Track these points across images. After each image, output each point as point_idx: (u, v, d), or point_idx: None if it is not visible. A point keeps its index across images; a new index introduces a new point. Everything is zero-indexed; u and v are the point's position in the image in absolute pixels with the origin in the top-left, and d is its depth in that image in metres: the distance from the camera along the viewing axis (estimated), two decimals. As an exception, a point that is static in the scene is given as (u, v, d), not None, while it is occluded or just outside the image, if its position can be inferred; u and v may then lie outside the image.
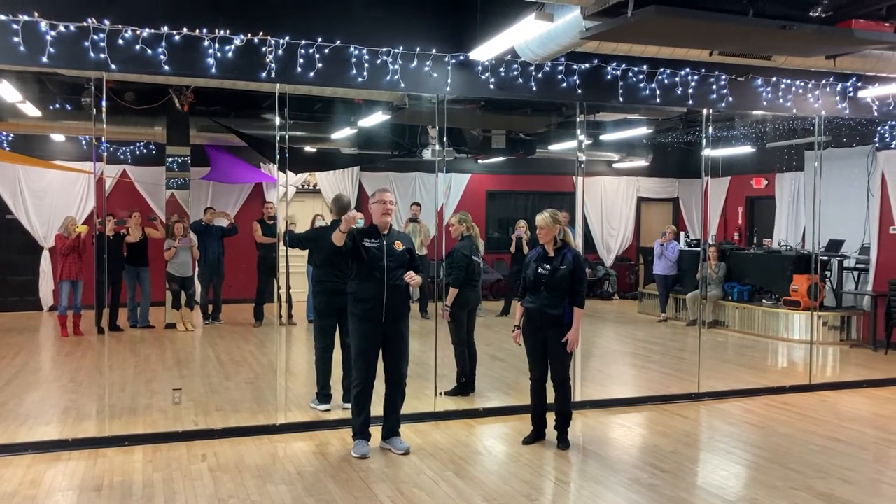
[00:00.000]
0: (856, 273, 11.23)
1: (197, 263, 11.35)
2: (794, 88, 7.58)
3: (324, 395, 6.70)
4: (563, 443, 5.75)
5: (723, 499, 4.76)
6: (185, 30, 5.67)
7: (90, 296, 10.56)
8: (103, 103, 6.17)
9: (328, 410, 6.62)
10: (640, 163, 15.49)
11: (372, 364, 5.55)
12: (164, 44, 5.64)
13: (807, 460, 5.54)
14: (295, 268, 11.91)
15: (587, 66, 6.80)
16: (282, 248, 10.18)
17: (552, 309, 5.58)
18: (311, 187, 14.51)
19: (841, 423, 6.62)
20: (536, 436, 5.90)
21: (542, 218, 5.69)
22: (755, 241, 13.92)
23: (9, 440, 5.74)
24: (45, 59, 5.44)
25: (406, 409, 5.87)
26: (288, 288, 11.32)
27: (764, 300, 11.70)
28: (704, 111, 7.66)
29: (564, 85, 6.80)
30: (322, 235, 6.88)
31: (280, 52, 5.94)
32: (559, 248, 5.69)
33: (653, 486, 4.97)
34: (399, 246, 5.59)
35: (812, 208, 8.39)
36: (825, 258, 10.93)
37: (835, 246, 10.99)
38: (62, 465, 5.34)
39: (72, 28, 5.44)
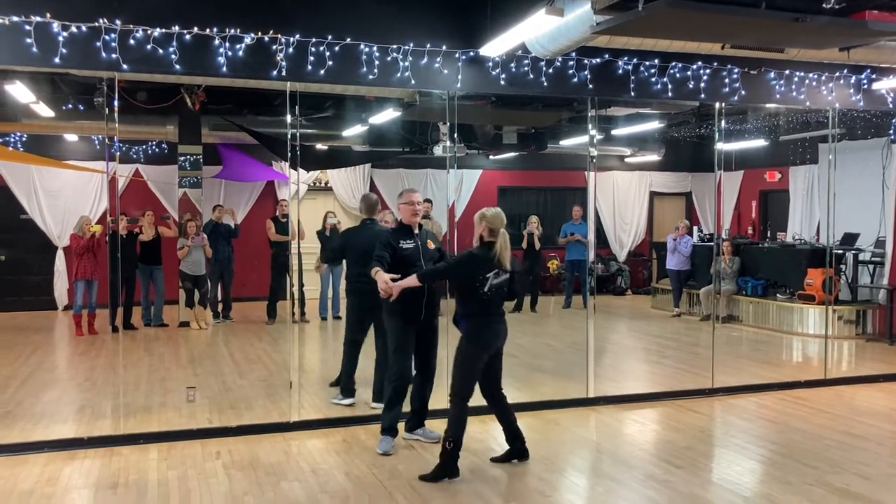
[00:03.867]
0: (871, 266, 11.14)
1: (208, 262, 11.39)
2: (807, 81, 7.51)
3: (349, 390, 6.80)
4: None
5: (737, 494, 4.74)
6: (195, 29, 5.68)
7: (105, 295, 10.61)
8: (115, 103, 6.19)
9: (352, 405, 6.69)
10: (653, 157, 15.43)
11: (409, 359, 5.67)
12: (175, 43, 5.65)
13: (822, 455, 5.50)
14: (308, 265, 11.95)
15: (598, 60, 6.77)
16: (294, 245, 10.21)
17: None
18: (322, 185, 14.53)
19: (856, 417, 6.57)
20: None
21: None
22: (769, 235, 13.83)
23: (25, 438, 5.79)
24: (57, 60, 5.47)
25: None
26: (301, 286, 11.34)
27: (778, 294, 11.62)
28: (717, 105, 7.61)
29: (575, 80, 6.77)
30: (349, 238, 6.90)
31: (290, 50, 5.94)
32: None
33: (667, 483, 4.96)
34: (431, 245, 5.67)
35: (826, 201, 8.32)
36: (840, 252, 10.84)
37: (850, 239, 10.91)
38: (78, 463, 5.38)
39: (83, 29, 5.46)
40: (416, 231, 5.67)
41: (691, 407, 6.91)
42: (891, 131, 10.62)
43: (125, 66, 5.60)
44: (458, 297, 5.12)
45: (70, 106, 10.78)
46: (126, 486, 4.92)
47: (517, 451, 5.35)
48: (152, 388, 7.46)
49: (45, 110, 10.21)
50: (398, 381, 5.63)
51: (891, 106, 7.95)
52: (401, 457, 5.47)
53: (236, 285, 12.04)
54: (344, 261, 7.12)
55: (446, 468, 4.98)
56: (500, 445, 5.82)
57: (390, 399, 5.67)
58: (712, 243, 12.21)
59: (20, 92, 8.81)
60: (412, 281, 5.13)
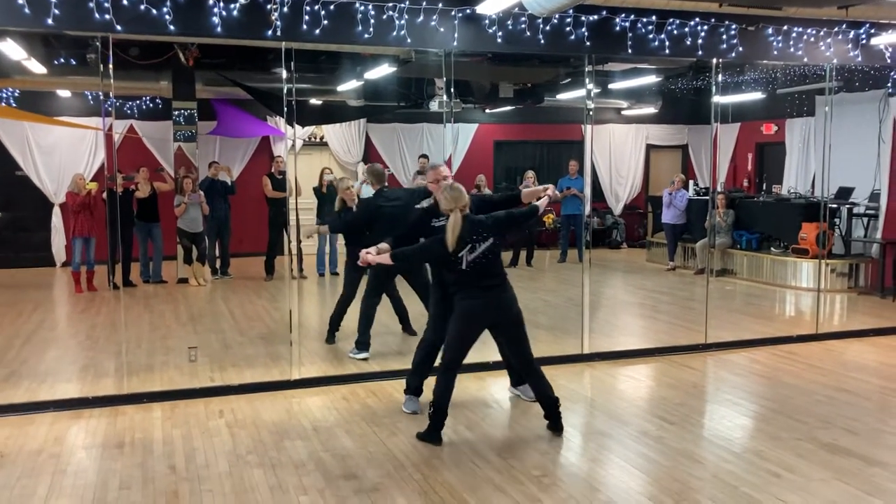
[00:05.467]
0: (865, 220, 11.21)
1: (206, 219, 11.41)
2: (805, 37, 7.45)
3: (364, 344, 7.08)
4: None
5: (728, 450, 4.87)
6: (189, -12, 5.62)
7: (103, 252, 10.65)
8: (110, 60, 6.15)
9: (366, 359, 6.95)
10: (650, 110, 15.36)
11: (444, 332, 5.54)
12: (168, 3, 5.59)
13: (812, 411, 5.64)
14: (305, 221, 11.95)
15: (595, 17, 6.72)
16: (291, 201, 10.20)
17: None
18: (318, 140, 14.47)
19: (846, 372, 6.70)
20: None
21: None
22: (764, 188, 13.86)
23: (31, 398, 5.90)
24: (49, 21, 5.42)
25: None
26: (298, 242, 11.37)
27: (772, 248, 11.72)
28: (714, 60, 7.57)
29: (573, 37, 6.72)
30: (374, 209, 7.00)
31: (285, 9, 5.89)
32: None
33: (660, 439, 5.08)
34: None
35: (822, 155, 8.34)
36: (835, 206, 10.90)
37: (844, 193, 10.95)
38: (84, 422, 5.49)
39: (76, -12, 5.40)
40: None
41: (685, 363, 7.04)
42: (889, 84, 10.58)
43: (119, 28, 5.55)
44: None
45: (62, 61, 10.65)
46: (132, 444, 5.04)
47: (550, 422, 5.21)
48: (154, 347, 7.56)
49: (37, 66, 10.09)
50: (430, 348, 5.61)
51: (889, 61, 7.91)
52: (401, 416, 5.58)
53: (234, 241, 12.09)
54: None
55: (429, 435, 5.00)
56: (496, 402, 5.95)
57: (420, 362, 5.65)
58: (708, 197, 12.25)
59: (11, 49, 8.70)
60: (385, 259, 5.08)
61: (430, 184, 5.63)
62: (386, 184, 7.28)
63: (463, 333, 5.05)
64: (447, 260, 4.94)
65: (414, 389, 5.69)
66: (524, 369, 5.29)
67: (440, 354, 5.31)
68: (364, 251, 5.16)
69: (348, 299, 7.65)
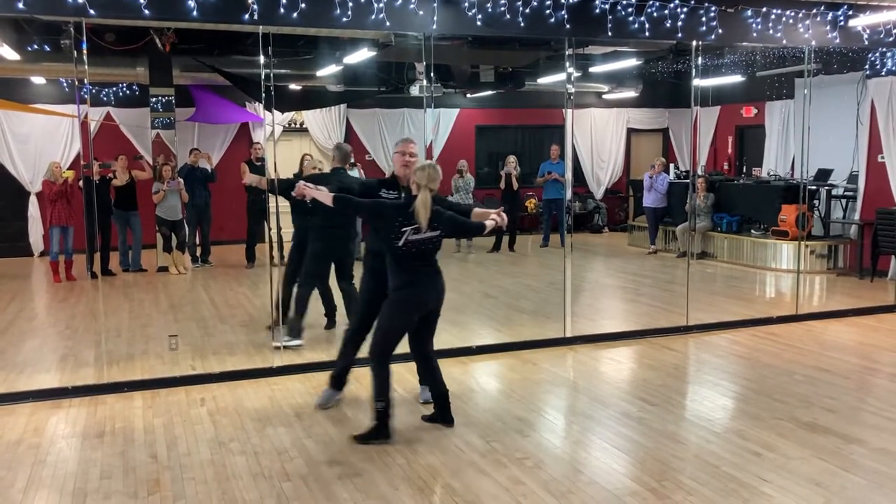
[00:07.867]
0: (844, 201, 11.30)
1: (185, 206, 11.31)
2: (784, 19, 7.46)
3: (297, 330, 6.97)
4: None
5: (710, 431, 4.90)
6: (163, -28, 5.53)
7: (81, 240, 10.52)
8: (84, 46, 6.05)
9: (300, 346, 6.86)
10: (630, 94, 15.36)
11: (358, 316, 5.38)
12: (142, -13, 5.51)
13: (791, 391, 5.69)
14: (284, 208, 11.87)
15: (575, -1, 6.69)
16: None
17: None
18: (298, 126, 14.37)
19: (826, 352, 6.77)
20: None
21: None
22: (745, 170, 13.92)
23: (9, 389, 5.82)
24: (20, 6, 5.32)
25: (398, 349, 5.91)
26: (279, 229, 11.29)
27: (752, 230, 11.80)
28: (694, 43, 7.57)
29: (552, 20, 6.68)
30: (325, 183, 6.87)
31: (262, -8, 5.81)
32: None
33: (642, 420, 5.11)
34: None
35: (801, 137, 8.38)
36: (814, 187, 10.97)
37: (823, 175, 11.03)
38: (63, 412, 5.44)
39: (47, -28, 5.31)
40: (405, 184, 5.12)
41: (666, 345, 7.07)
42: (866, 66, 10.64)
43: (92, 12, 5.45)
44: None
45: (35, 47, 10.49)
46: (113, 434, 4.99)
47: (441, 414, 5.04)
48: (134, 336, 7.50)
49: (9, 53, 9.92)
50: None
51: (866, 42, 7.94)
52: (383, 400, 5.57)
53: (214, 229, 11.99)
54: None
55: (380, 431, 4.73)
56: (479, 386, 5.96)
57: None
58: (688, 180, 12.29)
59: (-17, 35, 8.56)
60: (326, 197, 4.78)
61: (395, 154, 5.27)
62: (346, 167, 7.01)
63: (397, 323, 4.77)
64: (389, 228, 4.65)
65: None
66: (428, 359, 5.01)
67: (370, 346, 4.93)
68: (302, 183, 4.96)
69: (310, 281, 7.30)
